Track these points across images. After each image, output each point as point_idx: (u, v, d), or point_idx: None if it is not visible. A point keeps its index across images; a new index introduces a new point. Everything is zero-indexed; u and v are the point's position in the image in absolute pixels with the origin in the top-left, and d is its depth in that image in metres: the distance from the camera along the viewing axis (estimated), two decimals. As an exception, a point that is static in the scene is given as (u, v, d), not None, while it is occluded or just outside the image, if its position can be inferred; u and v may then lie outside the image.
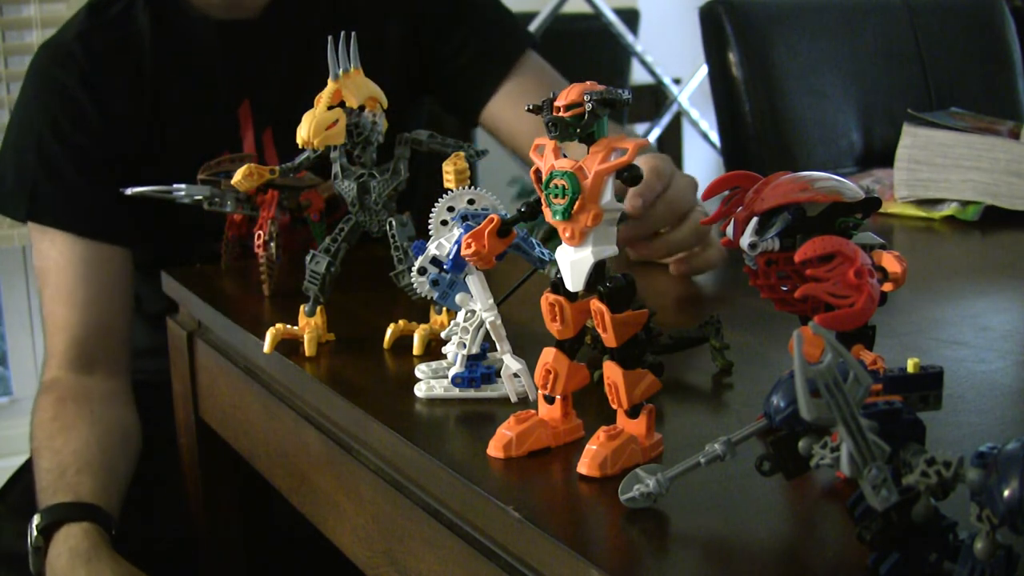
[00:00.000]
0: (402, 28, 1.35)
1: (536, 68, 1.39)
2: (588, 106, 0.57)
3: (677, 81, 2.98)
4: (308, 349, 0.82)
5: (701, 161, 3.26)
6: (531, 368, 0.65)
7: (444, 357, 0.76)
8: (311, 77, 1.33)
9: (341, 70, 0.81)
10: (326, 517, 0.82)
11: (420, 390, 0.73)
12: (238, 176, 0.91)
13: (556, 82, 1.38)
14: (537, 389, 0.63)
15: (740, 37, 1.69)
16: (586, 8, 2.67)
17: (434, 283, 0.74)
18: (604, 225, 0.58)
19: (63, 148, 1.23)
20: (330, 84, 0.81)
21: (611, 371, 0.59)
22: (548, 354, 0.62)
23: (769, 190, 0.61)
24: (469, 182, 0.77)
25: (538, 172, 0.60)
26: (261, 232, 1.00)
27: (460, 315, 0.73)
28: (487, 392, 0.72)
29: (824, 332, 0.43)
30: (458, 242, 0.69)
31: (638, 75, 3.02)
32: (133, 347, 1.47)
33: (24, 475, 1.27)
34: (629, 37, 2.79)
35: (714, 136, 2.87)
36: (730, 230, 0.62)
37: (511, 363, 0.68)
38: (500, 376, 0.70)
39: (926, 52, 1.85)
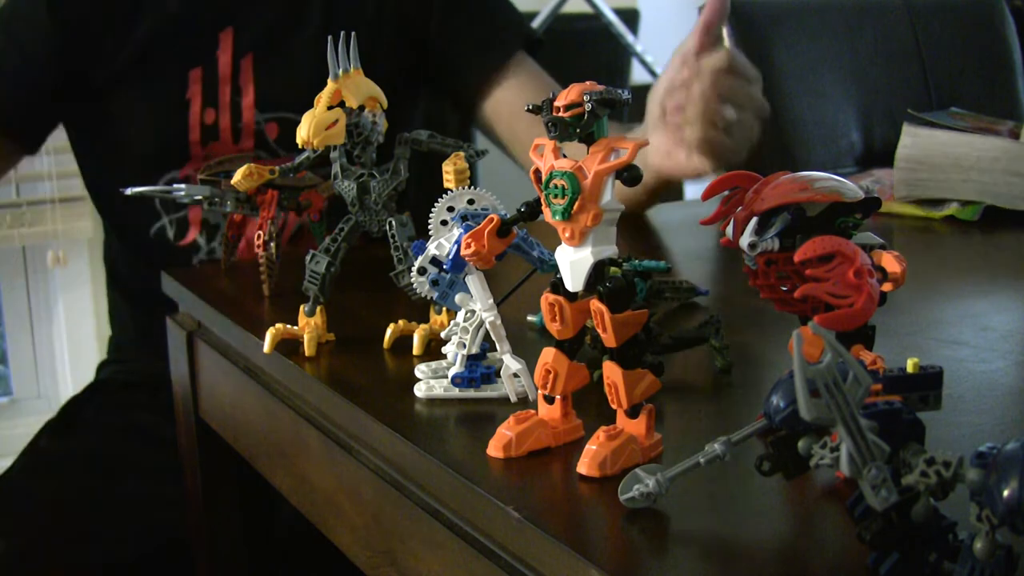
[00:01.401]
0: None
1: (530, 68, 1.39)
2: (588, 106, 0.57)
3: (677, 81, 2.97)
4: (308, 349, 0.82)
5: (701, 161, 3.25)
6: (531, 368, 0.65)
7: (444, 357, 0.76)
8: (298, 10, 1.31)
9: (341, 70, 0.81)
10: (326, 517, 0.82)
11: (420, 390, 0.73)
12: (238, 176, 0.91)
13: (550, 85, 1.38)
14: (537, 389, 0.63)
15: (740, 37, 1.69)
16: (586, 8, 2.67)
17: (434, 283, 0.74)
18: (604, 225, 0.58)
19: (7, 42, 1.27)
20: (330, 84, 0.81)
21: (611, 371, 0.59)
22: (548, 354, 0.62)
23: (769, 190, 0.61)
24: (469, 182, 0.77)
25: (538, 172, 0.60)
26: (261, 232, 1.00)
27: (460, 315, 0.73)
28: (487, 392, 0.72)
29: (824, 332, 0.43)
30: (458, 242, 0.69)
31: (638, 75, 3.02)
32: (126, 338, 1.47)
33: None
34: (629, 37, 2.79)
35: (714, 136, 2.87)
36: (730, 230, 0.62)
37: (511, 363, 0.68)
38: (500, 376, 0.70)
39: (926, 52, 1.85)
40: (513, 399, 0.69)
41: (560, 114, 0.57)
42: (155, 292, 1.20)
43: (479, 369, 0.72)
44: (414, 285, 0.75)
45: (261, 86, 1.31)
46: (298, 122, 1.35)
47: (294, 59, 1.32)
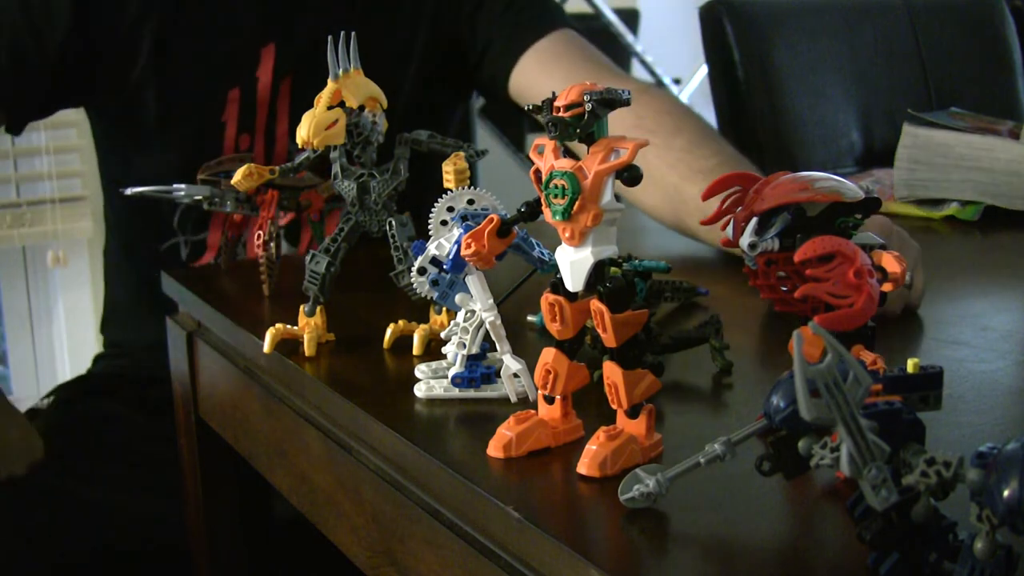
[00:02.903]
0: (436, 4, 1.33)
1: (570, 40, 1.31)
2: (588, 106, 0.57)
3: (677, 81, 2.98)
4: (308, 349, 0.82)
5: (701, 161, 3.25)
6: (531, 368, 0.65)
7: (444, 357, 0.76)
8: (343, 25, 1.31)
9: (341, 70, 0.81)
10: (326, 517, 0.82)
11: (420, 390, 0.73)
12: (238, 176, 0.91)
13: (592, 55, 1.30)
14: (537, 389, 0.63)
15: (740, 37, 1.69)
16: (586, 8, 2.67)
17: (434, 283, 0.74)
18: (604, 225, 0.58)
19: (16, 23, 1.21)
20: (330, 84, 0.81)
21: (611, 371, 0.59)
22: (548, 354, 0.62)
23: (769, 190, 0.61)
24: (469, 182, 0.77)
25: (538, 172, 0.60)
26: (261, 232, 1.00)
27: (460, 315, 0.73)
28: (487, 392, 0.72)
29: (824, 332, 0.43)
30: (458, 242, 0.69)
31: (638, 75, 3.02)
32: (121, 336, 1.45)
33: None
34: (629, 37, 2.79)
35: (714, 136, 2.87)
36: (730, 230, 0.62)
37: (511, 363, 0.68)
38: (500, 376, 0.70)
39: (926, 52, 1.85)
40: (513, 399, 0.69)
41: (560, 114, 0.57)
42: (157, 296, 1.19)
43: (479, 369, 0.72)
44: (414, 285, 0.75)
45: (297, 114, 1.25)
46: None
47: None
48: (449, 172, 0.77)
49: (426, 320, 0.84)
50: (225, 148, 1.27)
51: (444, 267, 0.72)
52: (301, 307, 0.85)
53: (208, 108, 1.26)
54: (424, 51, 1.33)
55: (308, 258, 0.85)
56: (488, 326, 0.70)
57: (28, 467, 1.05)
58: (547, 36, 1.30)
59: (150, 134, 1.29)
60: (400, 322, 0.84)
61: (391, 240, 0.84)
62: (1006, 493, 0.40)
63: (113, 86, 1.27)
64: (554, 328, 0.61)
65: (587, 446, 0.59)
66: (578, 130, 0.57)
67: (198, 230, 1.32)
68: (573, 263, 0.59)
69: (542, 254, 0.74)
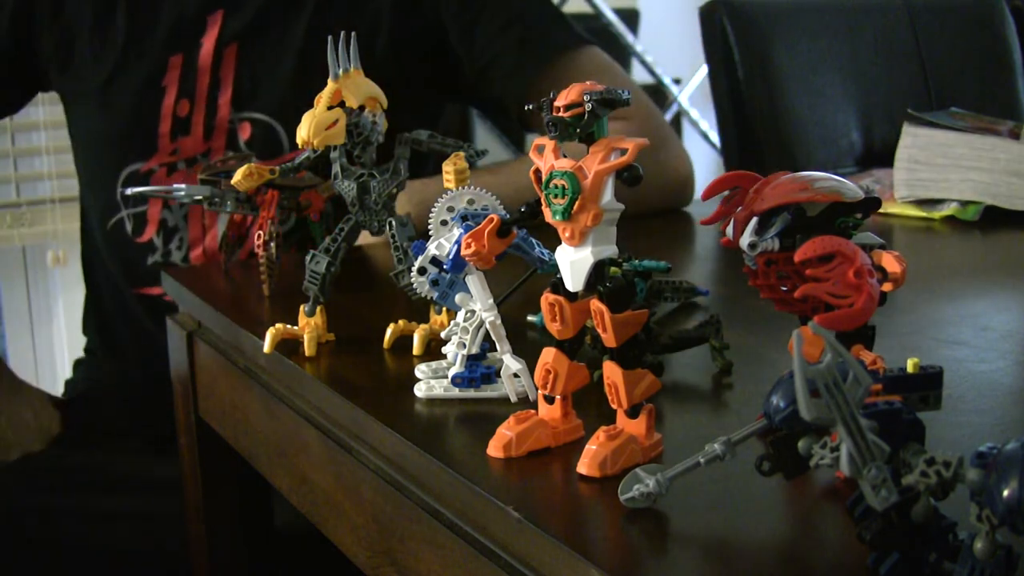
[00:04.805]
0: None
1: (590, 64, 1.27)
2: (588, 106, 0.57)
3: (677, 81, 2.98)
4: (308, 349, 0.82)
5: (701, 161, 3.26)
6: (531, 368, 0.65)
7: (444, 357, 0.76)
8: (290, 8, 1.27)
9: (341, 70, 0.81)
10: (326, 517, 0.82)
11: (420, 390, 0.73)
12: (238, 176, 0.91)
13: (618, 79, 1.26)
14: (537, 389, 0.64)
15: (740, 37, 1.69)
16: (586, 8, 2.67)
17: (434, 283, 0.74)
18: (604, 225, 0.58)
19: None
20: (330, 84, 0.81)
21: (611, 371, 0.60)
22: (548, 354, 0.62)
23: (769, 190, 0.61)
24: (469, 182, 0.77)
25: (538, 172, 0.60)
26: (261, 232, 1.00)
27: (460, 315, 0.73)
28: (487, 392, 0.72)
29: (824, 332, 0.43)
30: (458, 242, 0.69)
31: (638, 75, 3.02)
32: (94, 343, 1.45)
33: None
34: (629, 37, 2.79)
35: (714, 136, 2.88)
36: (730, 230, 0.62)
37: (511, 363, 0.68)
38: (500, 376, 0.70)
39: (926, 52, 1.85)
40: (513, 399, 0.69)
41: (560, 114, 0.57)
42: (116, 295, 1.17)
43: (479, 369, 0.72)
44: (414, 285, 0.75)
45: (240, 81, 1.25)
46: (270, 125, 1.27)
47: (279, 55, 1.26)
48: (449, 172, 0.77)
49: (426, 320, 0.84)
50: (163, 113, 1.26)
51: (444, 267, 0.72)
52: (301, 307, 0.85)
53: (149, 73, 1.26)
54: (392, 51, 1.29)
55: (308, 258, 0.85)
56: (488, 326, 0.70)
57: (45, 443, 1.05)
58: (571, 53, 1.27)
59: (96, 95, 1.29)
60: (400, 322, 0.84)
61: (391, 240, 0.84)
62: (1006, 493, 0.40)
63: (58, 61, 1.28)
64: (554, 328, 0.61)
65: (587, 446, 0.59)
66: (578, 130, 0.57)
67: (139, 201, 1.30)
68: (573, 263, 0.59)
69: (542, 254, 0.74)
